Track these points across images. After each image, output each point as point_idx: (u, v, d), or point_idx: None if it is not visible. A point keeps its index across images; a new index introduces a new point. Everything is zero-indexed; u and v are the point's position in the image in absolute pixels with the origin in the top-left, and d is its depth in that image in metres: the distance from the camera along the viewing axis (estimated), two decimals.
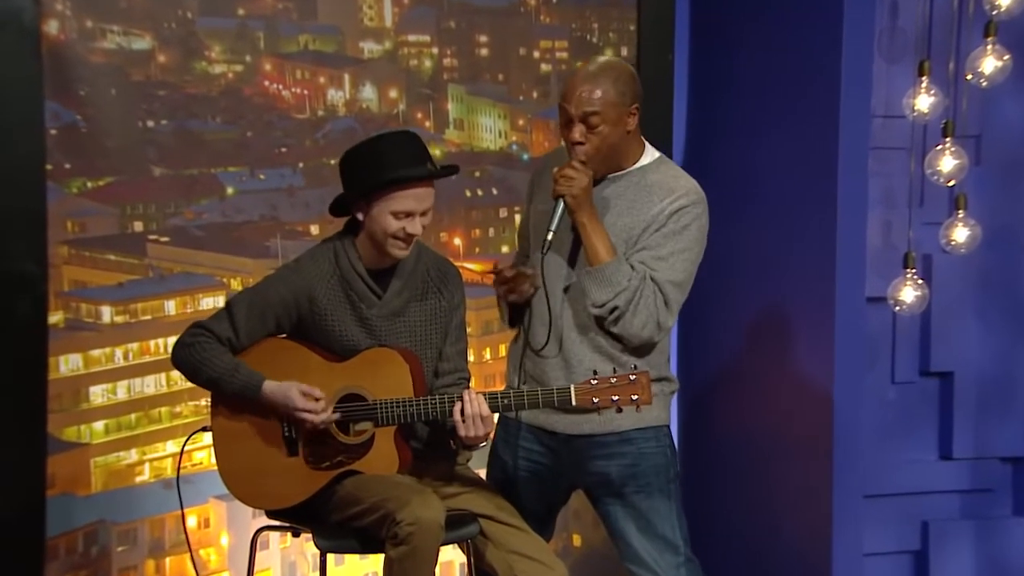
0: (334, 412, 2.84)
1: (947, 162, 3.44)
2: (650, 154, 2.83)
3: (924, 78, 3.45)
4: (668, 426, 2.91)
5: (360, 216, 2.85)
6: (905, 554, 3.63)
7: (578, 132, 2.70)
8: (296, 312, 2.89)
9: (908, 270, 3.47)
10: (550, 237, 2.70)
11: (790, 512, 3.66)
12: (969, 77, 3.62)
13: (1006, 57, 3.60)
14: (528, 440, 2.91)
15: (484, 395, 2.79)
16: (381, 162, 2.81)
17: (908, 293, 3.48)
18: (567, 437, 2.86)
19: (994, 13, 3.62)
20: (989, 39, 3.61)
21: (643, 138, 2.83)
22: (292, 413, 2.83)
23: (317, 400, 2.83)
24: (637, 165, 2.79)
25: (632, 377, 2.75)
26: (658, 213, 2.73)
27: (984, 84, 3.60)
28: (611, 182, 2.79)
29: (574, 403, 2.73)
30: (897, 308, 3.51)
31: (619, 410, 2.77)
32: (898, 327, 3.60)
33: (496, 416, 2.86)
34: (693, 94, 3.97)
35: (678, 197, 2.74)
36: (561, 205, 2.69)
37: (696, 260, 2.79)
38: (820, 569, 3.52)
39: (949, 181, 3.46)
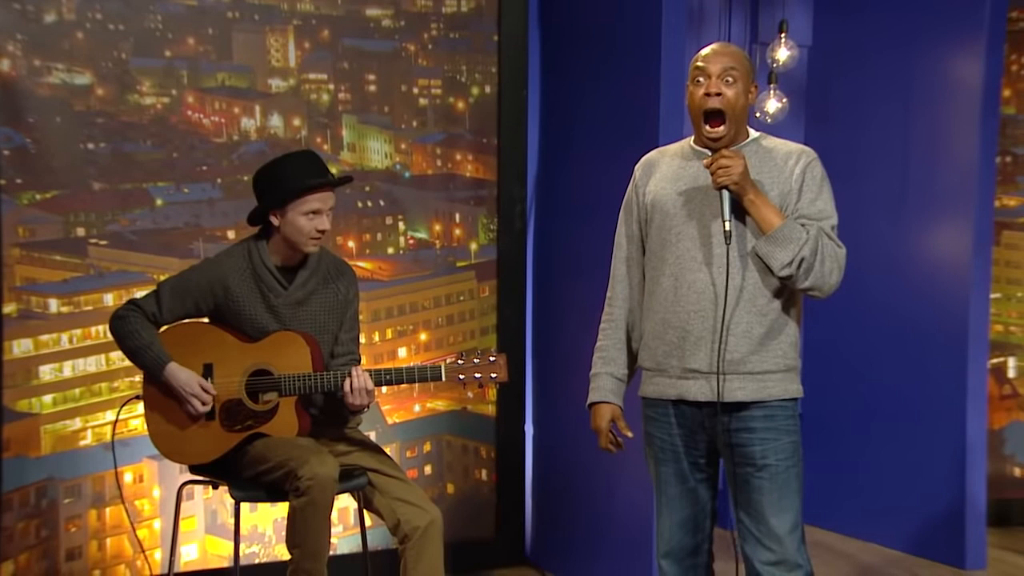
0: (244, 385, 2.92)
1: None
2: (752, 132, 2.73)
3: None
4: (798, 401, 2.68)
5: (275, 221, 2.95)
6: None
7: (716, 83, 2.57)
8: (212, 299, 2.96)
9: None
10: (728, 227, 2.55)
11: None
12: (757, 115, 4.08)
13: (784, 100, 4.13)
14: (676, 415, 2.69)
15: (369, 372, 2.87)
16: (289, 176, 2.93)
17: None
18: (707, 405, 2.64)
19: (774, 66, 4.14)
20: (771, 85, 4.18)
21: None
22: (184, 396, 2.91)
23: (207, 396, 2.92)
24: (751, 137, 2.70)
25: (492, 359, 2.85)
26: (792, 176, 2.62)
27: (769, 121, 4.05)
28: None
29: (444, 379, 2.83)
30: None
31: (480, 386, 2.86)
32: None
33: (380, 388, 2.87)
34: (544, 123, 4.14)
35: (799, 156, 2.64)
36: (727, 194, 2.55)
37: (832, 197, 2.66)
38: None
39: None
